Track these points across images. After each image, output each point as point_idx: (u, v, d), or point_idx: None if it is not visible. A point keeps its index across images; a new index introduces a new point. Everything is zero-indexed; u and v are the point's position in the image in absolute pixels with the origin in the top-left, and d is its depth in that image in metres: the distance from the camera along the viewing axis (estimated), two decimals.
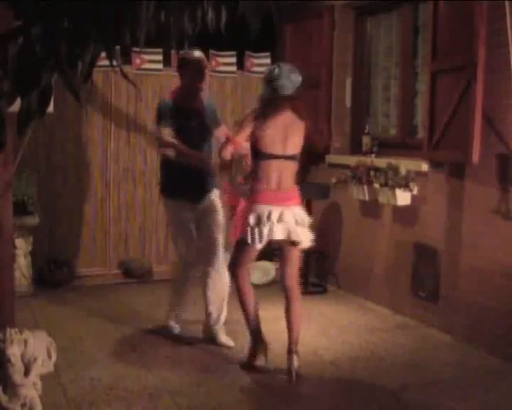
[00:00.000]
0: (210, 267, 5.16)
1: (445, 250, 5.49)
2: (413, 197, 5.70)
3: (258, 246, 4.52)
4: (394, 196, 5.69)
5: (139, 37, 2.07)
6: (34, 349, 3.32)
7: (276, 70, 4.51)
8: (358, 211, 6.59)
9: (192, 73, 5.08)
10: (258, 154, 4.51)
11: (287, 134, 4.50)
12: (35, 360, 3.32)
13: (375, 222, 6.36)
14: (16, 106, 2.03)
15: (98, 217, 7.00)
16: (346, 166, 6.41)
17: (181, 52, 5.25)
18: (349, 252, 6.80)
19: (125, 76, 2.33)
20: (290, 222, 4.47)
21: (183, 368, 4.67)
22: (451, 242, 5.42)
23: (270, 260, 7.22)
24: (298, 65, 7.22)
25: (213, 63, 7.22)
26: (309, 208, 6.93)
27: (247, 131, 4.49)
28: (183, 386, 4.36)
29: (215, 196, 5.24)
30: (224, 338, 5.18)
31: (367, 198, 6.10)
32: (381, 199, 5.90)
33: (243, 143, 4.59)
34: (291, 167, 4.57)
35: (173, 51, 6.79)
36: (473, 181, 5.17)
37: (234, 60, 7.31)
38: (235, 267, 4.68)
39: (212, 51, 7.15)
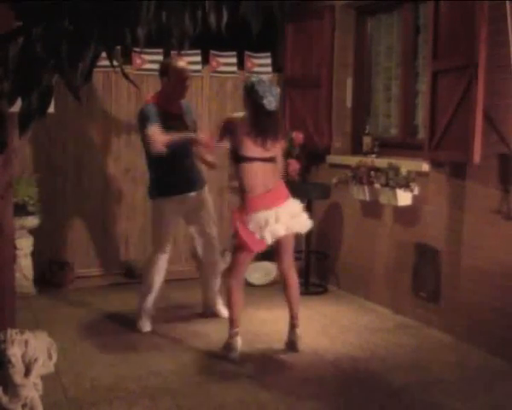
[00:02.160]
0: (212, 259, 5.68)
1: (446, 250, 5.49)
2: (414, 197, 5.69)
3: (262, 249, 4.89)
4: (395, 196, 5.69)
5: (139, 37, 2.07)
6: (35, 350, 3.32)
7: (261, 87, 4.73)
8: (359, 211, 6.58)
9: (175, 83, 5.33)
10: (240, 158, 4.78)
11: (266, 141, 4.78)
12: (36, 360, 3.32)
13: (375, 222, 6.35)
14: (17, 106, 2.03)
15: (99, 217, 7.00)
16: (347, 167, 6.40)
17: (165, 59, 5.43)
18: (350, 252, 6.80)
19: (125, 76, 2.33)
20: (287, 219, 4.78)
21: (184, 369, 4.67)
22: (452, 242, 5.42)
23: (272, 260, 7.22)
24: (299, 65, 7.31)
25: (214, 63, 7.22)
26: (309, 209, 6.93)
27: (223, 138, 4.85)
28: (184, 387, 4.36)
29: (205, 191, 5.58)
30: (222, 309, 5.75)
31: (368, 198, 6.10)
32: (382, 199, 5.89)
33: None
34: (272, 168, 4.86)
35: (173, 52, 6.79)
36: (474, 181, 5.17)
37: (234, 60, 7.31)
38: (230, 276, 4.95)
39: (212, 52, 7.15)
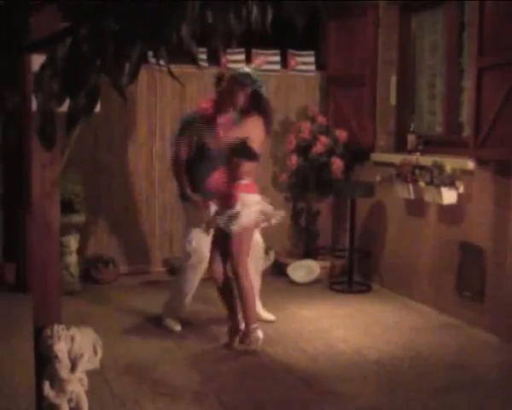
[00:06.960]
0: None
1: (492, 250, 5.42)
2: (459, 196, 5.64)
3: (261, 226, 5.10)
4: (440, 194, 5.64)
5: (184, 36, 2.08)
6: (81, 346, 3.37)
7: (255, 75, 5.02)
8: (403, 210, 6.54)
9: (228, 94, 5.17)
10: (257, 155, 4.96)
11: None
12: (81, 356, 3.36)
13: (420, 221, 6.30)
14: (64, 106, 2.05)
15: (143, 215, 7.06)
16: (391, 165, 6.37)
17: (223, 70, 5.33)
18: (394, 251, 6.76)
19: (172, 75, 2.35)
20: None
21: (227, 367, 4.69)
22: (498, 241, 5.35)
23: (314, 258, 7.22)
24: (342, 63, 7.30)
25: (257, 62, 7.22)
26: (353, 207, 6.91)
27: None
28: (227, 385, 4.39)
29: None
30: (265, 314, 5.62)
31: (412, 197, 6.06)
32: (427, 198, 5.85)
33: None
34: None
35: (220, 50, 6.81)
36: None
37: (278, 58, 7.31)
38: (238, 264, 4.92)
39: (254, 50, 7.16)
